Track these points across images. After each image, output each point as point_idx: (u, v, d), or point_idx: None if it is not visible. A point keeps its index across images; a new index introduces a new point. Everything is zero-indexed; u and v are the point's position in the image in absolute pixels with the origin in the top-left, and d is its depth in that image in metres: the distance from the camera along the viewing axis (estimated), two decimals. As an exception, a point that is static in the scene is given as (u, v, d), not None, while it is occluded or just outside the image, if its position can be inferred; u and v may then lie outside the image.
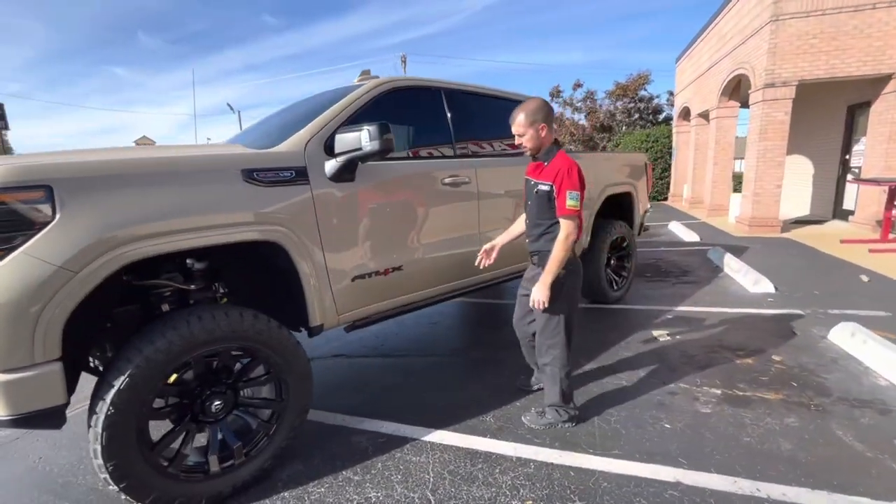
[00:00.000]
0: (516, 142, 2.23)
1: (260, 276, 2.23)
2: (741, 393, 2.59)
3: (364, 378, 3.05)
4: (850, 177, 8.66)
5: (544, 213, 2.21)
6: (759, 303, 4.23)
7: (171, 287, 1.98)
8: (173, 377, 1.84)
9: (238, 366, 1.97)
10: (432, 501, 1.83)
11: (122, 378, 1.57)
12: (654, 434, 2.23)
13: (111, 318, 1.93)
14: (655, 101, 21.95)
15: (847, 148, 8.88)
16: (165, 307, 2.02)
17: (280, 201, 1.97)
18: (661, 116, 21.88)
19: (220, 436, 1.91)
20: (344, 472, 2.04)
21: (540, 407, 2.41)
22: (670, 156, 15.84)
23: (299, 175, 2.05)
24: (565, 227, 2.10)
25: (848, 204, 8.63)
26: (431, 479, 1.96)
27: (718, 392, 2.61)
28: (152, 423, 1.76)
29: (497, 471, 2.00)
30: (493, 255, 2.45)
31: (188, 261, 2.09)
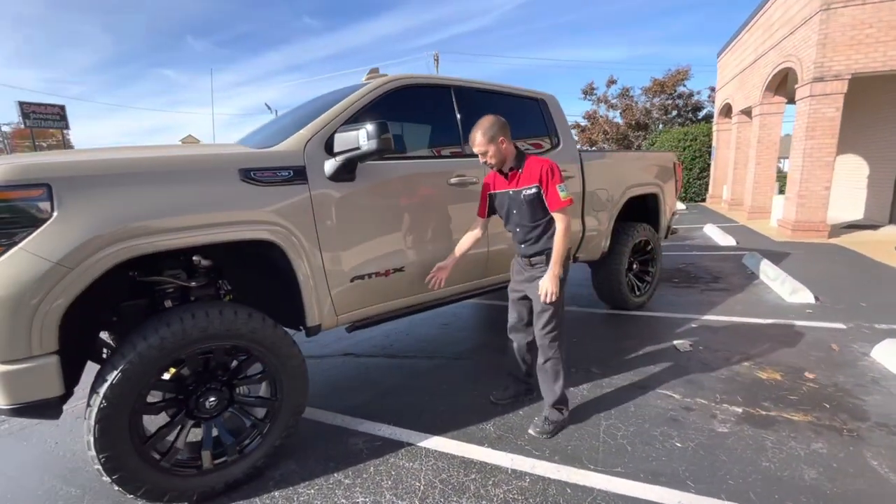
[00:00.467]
0: (480, 160, 2.26)
1: (260, 275, 2.24)
2: (765, 412, 2.40)
3: (369, 378, 3.04)
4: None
5: (538, 214, 2.22)
6: (795, 314, 3.94)
7: (174, 284, 2.02)
8: (170, 372, 1.90)
9: (234, 364, 1.98)
10: (420, 511, 1.78)
11: (115, 372, 1.61)
12: (663, 452, 2.09)
13: (118, 313, 2.00)
14: (695, 97, 21.00)
15: (908, 147, 8.17)
16: (168, 303, 2.07)
17: (277, 201, 1.97)
18: (702, 114, 20.92)
19: (214, 432, 1.93)
20: (336, 475, 2.02)
21: (541, 413, 2.35)
22: (709, 155, 15.11)
23: (297, 174, 2.04)
24: (563, 219, 2.16)
25: (907, 208, 7.94)
26: (422, 488, 1.91)
27: (739, 410, 2.42)
28: (151, 418, 1.81)
29: (490, 483, 1.93)
30: (446, 274, 2.45)
31: (194, 258, 2.13)
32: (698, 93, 21.01)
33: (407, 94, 2.58)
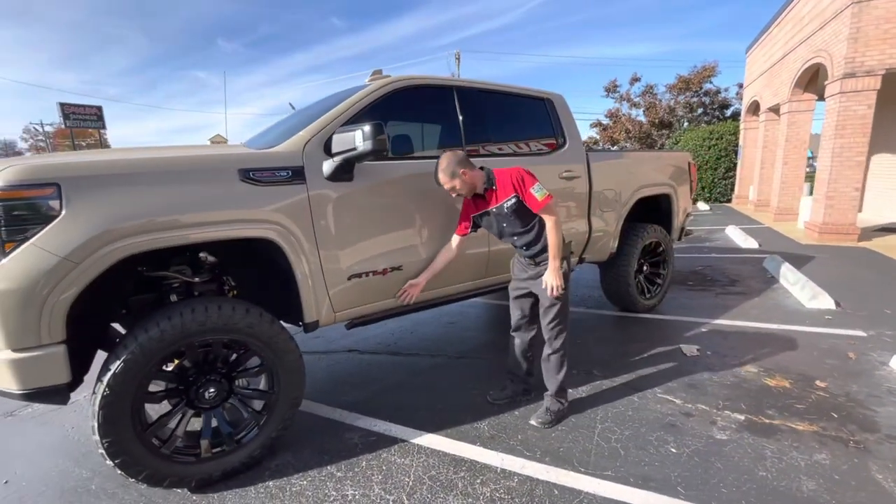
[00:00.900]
0: (452, 195, 2.33)
1: (261, 273, 2.31)
2: (768, 421, 2.33)
3: (370, 374, 3.09)
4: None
5: (527, 218, 2.30)
6: (813, 320, 3.80)
7: (179, 279, 2.11)
8: (173, 364, 1.98)
9: (233, 357, 2.06)
10: (406, 506, 1.82)
11: (118, 362, 1.70)
12: (656, 458, 2.06)
13: (127, 306, 2.10)
14: (723, 94, 20.33)
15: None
16: (173, 297, 2.16)
17: (276, 200, 2.03)
18: (729, 112, 20.25)
19: (213, 423, 2.01)
20: (328, 468, 2.08)
21: (543, 405, 2.44)
22: (735, 154, 14.63)
23: (296, 175, 2.10)
24: (549, 217, 2.23)
25: (947, 210, 7.51)
26: (410, 483, 1.95)
27: (741, 417, 2.36)
28: (155, 407, 1.90)
29: (478, 481, 1.95)
30: (418, 291, 2.48)
31: (200, 255, 2.22)
32: (726, 90, 20.34)
33: (408, 96, 2.61)
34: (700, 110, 20.78)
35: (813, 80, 8.82)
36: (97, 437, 1.70)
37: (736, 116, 19.02)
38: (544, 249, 2.31)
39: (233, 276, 2.40)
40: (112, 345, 2.16)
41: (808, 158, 13.92)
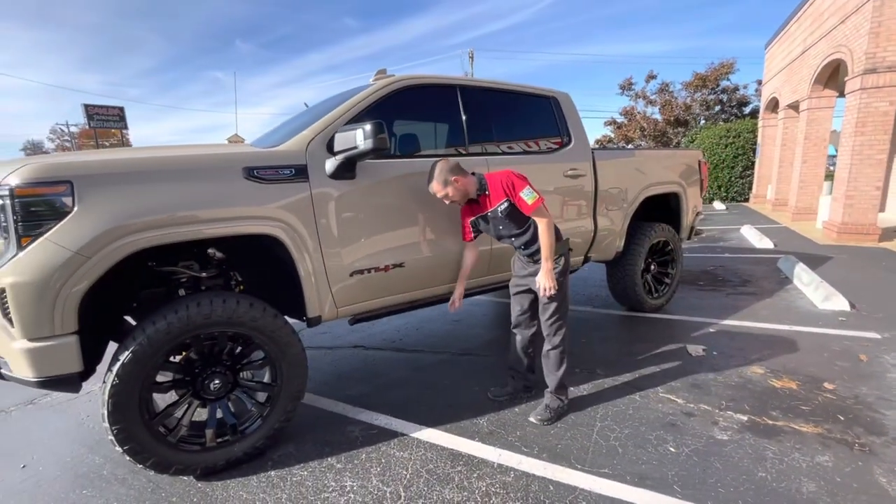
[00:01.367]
0: (446, 202, 2.35)
1: (266, 268, 2.37)
2: (771, 422, 2.30)
3: (374, 370, 3.14)
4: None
5: (520, 220, 2.33)
6: (826, 321, 3.72)
7: (187, 274, 2.18)
8: (181, 356, 2.05)
9: (237, 350, 2.12)
10: (403, 497, 1.85)
11: (127, 353, 1.77)
12: (654, 456, 2.06)
13: (137, 300, 2.18)
14: (741, 91, 19.89)
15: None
16: (182, 292, 2.24)
17: (279, 198, 2.08)
18: (748, 109, 19.81)
19: (218, 413, 2.07)
20: (329, 459, 2.12)
21: (542, 402, 2.46)
22: (753, 152, 14.32)
23: (299, 173, 2.15)
24: (540, 219, 2.25)
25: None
26: (408, 476, 1.98)
27: (744, 418, 2.34)
28: (164, 396, 1.97)
29: (475, 476, 1.97)
30: (460, 299, 2.64)
31: (209, 251, 2.29)
32: (745, 87, 19.90)
33: (411, 95, 2.64)
34: (717, 108, 20.40)
35: (833, 77, 8.59)
36: (107, 425, 1.77)
37: (754, 114, 18.62)
38: (539, 250, 2.33)
39: (239, 271, 2.47)
40: (124, 336, 2.25)
41: (831, 156, 13.56)
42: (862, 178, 6.83)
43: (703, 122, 20.33)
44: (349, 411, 2.56)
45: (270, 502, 1.86)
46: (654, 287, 4.13)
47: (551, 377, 2.43)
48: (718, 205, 13.95)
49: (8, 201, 1.61)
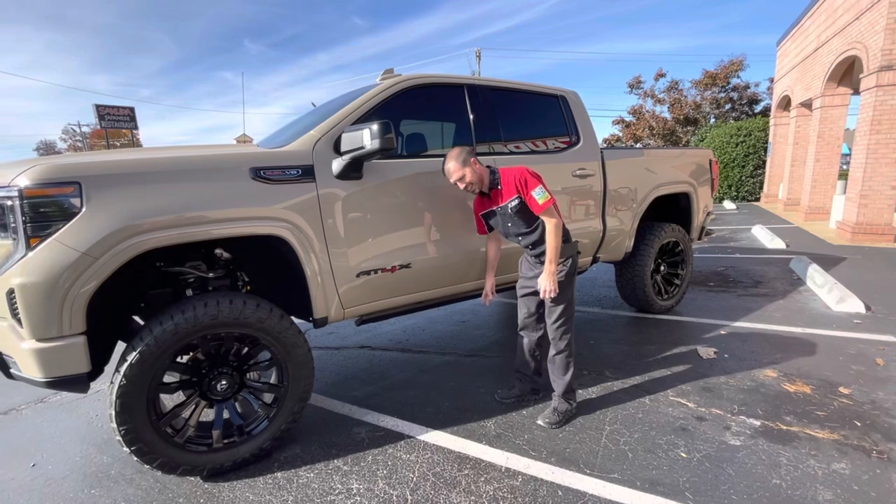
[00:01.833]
0: (461, 186, 2.31)
1: (273, 269, 2.36)
2: (785, 427, 2.25)
3: (381, 371, 3.13)
4: None
5: (531, 218, 2.30)
6: (841, 324, 3.64)
7: (194, 274, 2.18)
8: (188, 356, 2.05)
9: (244, 351, 2.11)
10: (409, 501, 1.83)
11: (134, 353, 1.77)
12: (665, 461, 2.02)
13: (146, 300, 2.19)
14: (752, 89, 19.63)
15: None
16: (189, 292, 2.24)
17: (286, 198, 2.07)
18: (759, 107, 19.54)
19: (225, 414, 2.07)
20: (335, 461, 2.11)
21: (550, 405, 2.43)
22: (765, 151, 14.13)
23: (306, 173, 2.14)
24: (549, 220, 2.23)
25: None
26: (414, 479, 1.96)
27: (757, 423, 2.29)
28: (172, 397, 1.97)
29: (482, 479, 1.95)
30: (492, 291, 2.65)
31: (216, 251, 2.29)
32: (756, 85, 19.63)
33: (418, 95, 2.62)
34: (728, 106, 20.15)
35: (847, 74, 8.44)
36: (114, 425, 1.77)
37: (766, 112, 18.36)
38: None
39: (246, 272, 2.47)
40: (131, 336, 2.26)
41: (845, 155, 13.34)
42: (877, 178, 6.70)
43: (712, 120, 20.10)
44: (355, 412, 2.55)
45: (276, 504, 1.85)
46: (664, 288, 4.07)
47: (558, 381, 2.40)
48: (729, 204, 13.78)
49: (17, 202, 1.62)
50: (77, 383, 1.76)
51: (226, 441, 2.04)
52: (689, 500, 1.78)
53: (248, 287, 2.51)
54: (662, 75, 21.23)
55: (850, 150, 14.96)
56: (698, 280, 5.17)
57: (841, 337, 3.38)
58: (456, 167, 2.26)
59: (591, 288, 5.10)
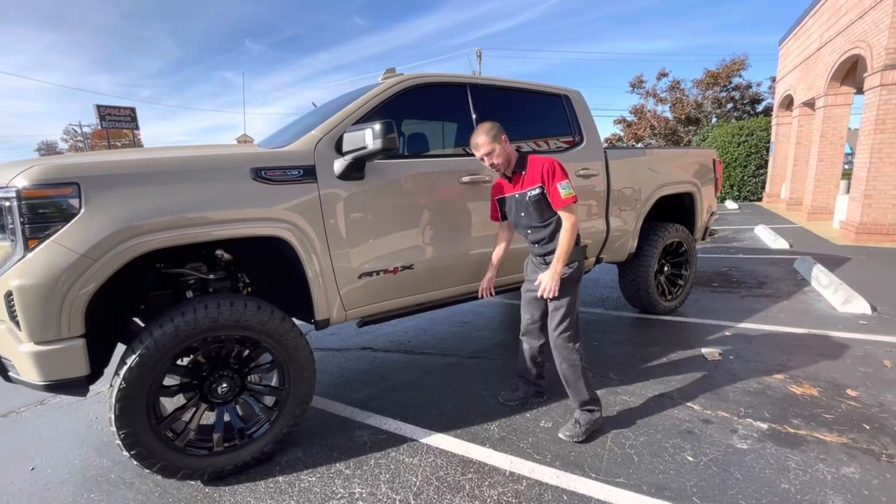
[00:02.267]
0: (486, 163, 2.22)
1: (274, 270, 2.34)
2: (793, 430, 2.22)
3: (383, 372, 3.10)
4: None
5: (546, 213, 2.21)
6: (847, 325, 3.61)
7: (194, 276, 2.16)
8: (189, 359, 2.03)
9: (245, 353, 2.09)
10: (412, 506, 1.81)
11: (134, 356, 1.75)
12: (672, 465, 1.99)
13: (146, 302, 2.16)
14: (754, 89, 19.58)
15: None
16: (190, 294, 2.22)
17: (287, 199, 2.05)
18: (761, 107, 19.49)
19: (226, 417, 2.05)
20: (337, 465, 2.09)
21: (571, 419, 2.29)
22: (767, 151, 14.08)
23: (307, 173, 2.11)
24: (568, 217, 2.14)
25: None
26: (418, 483, 1.94)
27: (764, 426, 2.26)
28: (172, 400, 1.95)
29: (486, 484, 1.92)
30: (492, 284, 2.54)
31: (217, 252, 2.27)
32: (758, 84, 19.58)
33: (420, 94, 2.59)
34: (729, 105, 20.10)
35: (851, 73, 8.40)
36: (114, 429, 1.75)
37: (767, 112, 18.31)
38: (553, 251, 2.20)
39: (248, 273, 2.44)
40: (131, 338, 2.24)
41: (847, 154, 13.29)
42: (881, 177, 6.66)
43: (714, 120, 20.05)
44: (357, 415, 2.53)
45: (278, 509, 1.82)
46: (668, 289, 4.04)
47: (572, 392, 2.26)
48: (731, 204, 13.74)
49: (15, 203, 1.60)
50: (76, 386, 1.73)
51: (226, 444, 2.02)
52: (697, 506, 1.75)
53: (250, 289, 2.49)
54: (665, 75, 21.20)
55: (851, 149, 14.94)
56: (702, 281, 5.14)
57: (847, 338, 3.34)
58: (485, 141, 2.15)
59: (594, 289, 5.07)
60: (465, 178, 2.60)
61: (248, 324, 1.94)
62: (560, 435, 2.22)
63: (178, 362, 1.96)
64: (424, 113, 2.88)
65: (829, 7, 8.65)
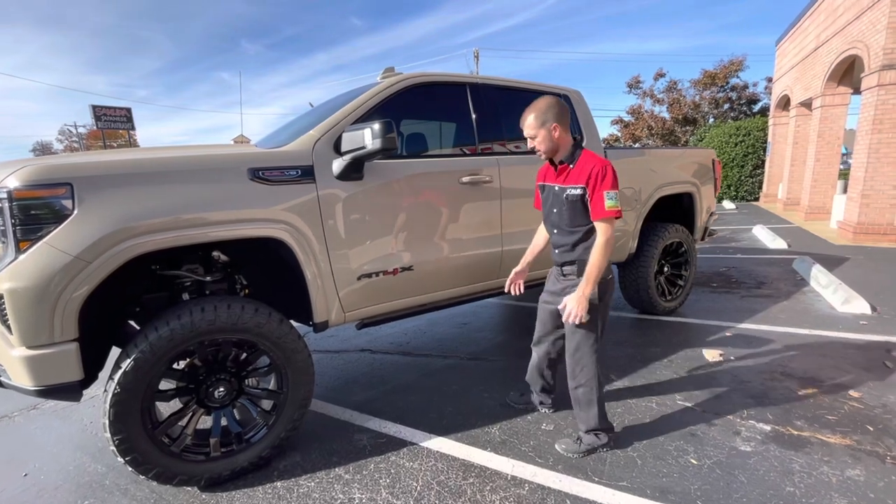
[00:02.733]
0: (528, 145, 2.04)
1: (272, 272, 2.30)
2: (796, 432, 2.20)
3: (382, 375, 3.07)
4: None
5: (578, 218, 1.99)
6: (847, 325, 3.60)
7: (191, 278, 2.12)
8: (185, 362, 1.99)
9: (242, 356, 2.05)
10: (413, 511, 1.78)
11: (129, 360, 1.71)
12: (675, 469, 1.97)
13: (141, 304, 2.12)
14: (751, 89, 19.65)
15: None
16: (186, 296, 2.18)
17: (285, 199, 2.02)
18: (758, 107, 19.57)
19: (222, 421, 2.01)
20: (336, 470, 2.06)
21: (574, 433, 2.17)
22: (764, 151, 14.12)
23: (305, 174, 2.08)
24: (604, 231, 1.91)
25: None
26: (418, 488, 1.91)
27: (767, 428, 2.24)
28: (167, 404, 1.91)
29: (488, 488, 1.90)
30: (523, 278, 2.28)
31: (213, 254, 2.23)
32: (754, 85, 19.65)
33: (419, 93, 2.57)
34: (726, 106, 20.16)
35: (848, 73, 8.42)
36: (108, 435, 1.71)
37: (764, 112, 18.37)
38: (573, 262, 2.03)
39: (245, 275, 2.41)
40: (126, 341, 2.20)
41: (843, 155, 13.33)
42: (879, 177, 6.67)
43: (711, 120, 20.10)
44: (356, 418, 2.50)
45: (276, 515, 1.79)
46: (668, 289, 4.03)
47: (581, 417, 2.10)
48: (728, 204, 13.77)
49: (6, 204, 1.56)
50: (69, 391, 1.70)
51: (223, 449, 1.98)
52: (702, 510, 1.73)
53: (247, 291, 2.45)
54: (662, 75, 21.24)
55: (846, 149, 15.00)
56: (701, 281, 5.13)
57: (848, 338, 3.34)
58: (531, 124, 1.95)
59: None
60: (465, 179, 2.57)
61: (245, 326, 1.91)
62: (557, 447, 2.13)
63: (174, 366, 1.92)
64: (424, 112, 2.85)
65: (826, 7, 8.68)
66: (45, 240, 1.58)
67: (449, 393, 2.75)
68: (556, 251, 2.13)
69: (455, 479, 1.96)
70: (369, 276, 2.29)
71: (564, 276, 2.09)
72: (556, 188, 2.05)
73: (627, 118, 22.84)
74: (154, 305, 2.09)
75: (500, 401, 2.61)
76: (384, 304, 2.42)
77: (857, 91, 8.23)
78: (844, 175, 9.88)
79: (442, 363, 3.21)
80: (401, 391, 2.81)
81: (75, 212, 1.61)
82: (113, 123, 25.27)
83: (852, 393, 2.55)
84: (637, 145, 20.56)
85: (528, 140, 2.03)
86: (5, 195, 1.56)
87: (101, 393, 2.74)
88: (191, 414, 1.95)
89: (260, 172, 1.97)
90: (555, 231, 2.11)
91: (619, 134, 23.63)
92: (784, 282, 4.99)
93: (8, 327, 1.58)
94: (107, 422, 1.70)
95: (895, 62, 6.25)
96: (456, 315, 4.27)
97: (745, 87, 19.69)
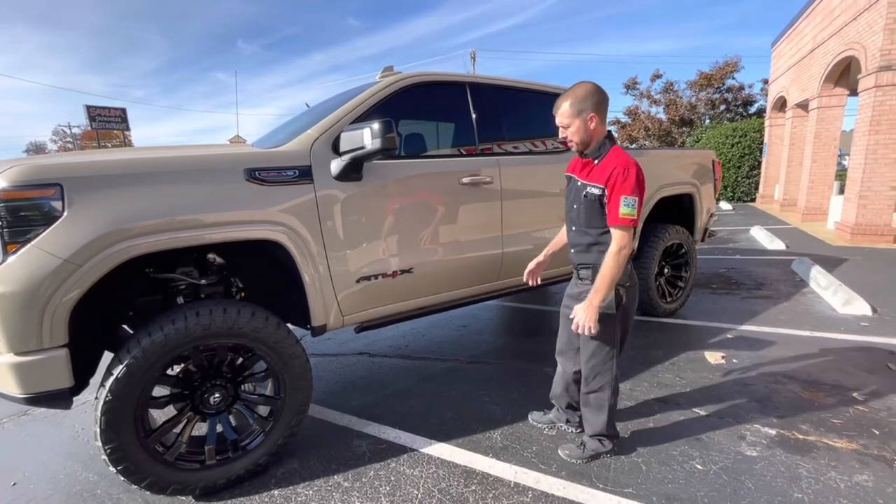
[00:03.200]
0: (560, 135, 1.89)
1: (269, 275, 2.26)
2: (802, 436, 2.18)
3: (381, 379, 3.02)
4: None
5: (595, 219, 1.87)
6: (848, 327, 3.58)
7: (185, 281, 2.07)
8: (179, 368, 1.94)
9: (238, 361, 2.00)
10: (414, 520, 1.73)
11: (120, 367, 1.66)
12: (681, 475, 1.93)
13: (134, 308, 2.07)
14: (747, 91, 19.75)
15: None
16: (180, 300, 2.13)
17: (282, 200, 1.97)
18: (753, 108, 19.66)
19: (218, 428, 1.96)
20: (335, 477, 2.01)
21: (578, 439, 2.13)
22: (760, 152, 14.17)
23: (303, 174, 2.04)
24: (618, 238, 1.77)
25: None
26: (419, 496, 1.86)
27: (772, 432, 2.21)
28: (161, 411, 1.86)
29: (490, 496, 1.85)
30: (542, 269, 2.20)
31: (209, 256, 2.18)
32: (750, 86, 19.78)
33: (419, 93, 2.53)
34: (722, 107, 20.25)
35: (844, 74, 8.45)
36: (99, 444, 1.66)
37: (760, 113, 18.46)
38: (587, 265, 1.92)
39: (241, 278, 2.36)
40: (119, 347, 2.14)
41: (839, 156, 13.39)
42: (876, 178, 6.69)
43: (707, 121, 20.18)
44: (355, 424, 2.45)
45: (273, 525, 1.74)
46: (668, 291, 4.00)
47: (588, 422, 2.05)
48: (725, 205, 13.79)
49: (-7, 205, 1.51)
50: (59, 399, 1.64)
51: (219, 457, 1.93)
52: (709, 517, 1.70)
53: (243, 294, 2.40)
54: (659, 76, 21.32)
55: (841, 151, 15.06)
56: (700, 282, 5.11)
57: (850, 340, 3.32)
58: (567, 112, 1.80)
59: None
60: (466, 179, 2.53)
61: (241, 331, 1.86)
62: (560, 452, 2.07)
63: (168, 372, 1.87)
64: (424, 112, 2.81)
65: (823, 9, 8.71)
66: (33, 242, 1.52)
67: (449, 397, 2.71)
68: (572, 250, 2.02)
69: (457, 487, 1.91)
70: (368, 278, 2.25)
71: (581, 279, 1.98)
72: (579, 183, 1.92)
73: (625, 119, 22.90)
74: (148, 309, 2.03)
75: (500, 404, 2.57)
76: (383, 307, 2.38)
77: (853, 92, 8.26)
78: (840, 176, 9.91)
79: (441, 367, 3.17)
80: (400, 395, 2.76)
81: (65, 213, 1.56)
82: (107, 124, 25.08)
83: (856, 396, 2.53)
84: (634, 146, 20.62)
85: (560, 130, 1.88)
86: (-8, 196, 1.50)
87: (92, 398, 2.69)
88: (185, 421, 1.90)
89: (256, 173, 1.92)
90: (573, 228, 2.00)
91: (617, 135, 23.69)
92: (784, 283, 4.97)
93: (-5, 333, 1.52)
94: (98, 430, 1.65)
95: (892, 63, 6.26)
96: (455, 317, 4.22)
97: (741, 88, 19.80)
